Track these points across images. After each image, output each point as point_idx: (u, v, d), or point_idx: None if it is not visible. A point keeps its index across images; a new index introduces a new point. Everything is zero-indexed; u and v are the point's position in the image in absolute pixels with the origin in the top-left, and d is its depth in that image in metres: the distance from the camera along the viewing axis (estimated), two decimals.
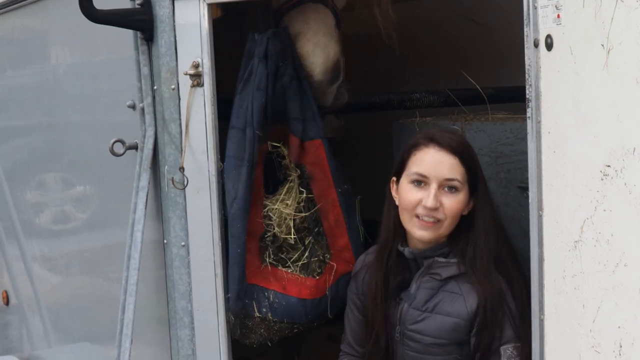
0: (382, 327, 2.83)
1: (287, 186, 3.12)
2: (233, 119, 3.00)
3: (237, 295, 3.00)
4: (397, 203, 2.79)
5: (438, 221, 2.70)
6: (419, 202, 2.69)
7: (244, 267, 3.00)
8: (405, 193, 2.74)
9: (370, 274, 2.91)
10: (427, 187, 2.69)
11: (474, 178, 2.73)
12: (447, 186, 2.69)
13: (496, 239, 2.74)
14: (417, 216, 2.71)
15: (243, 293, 3.01)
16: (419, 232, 2.73)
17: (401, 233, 2.81)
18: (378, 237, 2.92)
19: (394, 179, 2.81)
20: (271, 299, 3.06)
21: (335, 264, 3.17)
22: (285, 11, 3.17)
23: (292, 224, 3.09)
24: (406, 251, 2.80)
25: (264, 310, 3.05)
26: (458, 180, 2.69)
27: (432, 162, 2.70)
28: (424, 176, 2.70)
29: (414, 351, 2.79)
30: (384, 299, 2.83)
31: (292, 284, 3.08)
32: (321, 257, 3.15)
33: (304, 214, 3.11)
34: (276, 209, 3.08)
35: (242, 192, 2.96)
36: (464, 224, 2.75)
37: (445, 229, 2.72)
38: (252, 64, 2.99)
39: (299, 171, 3.12)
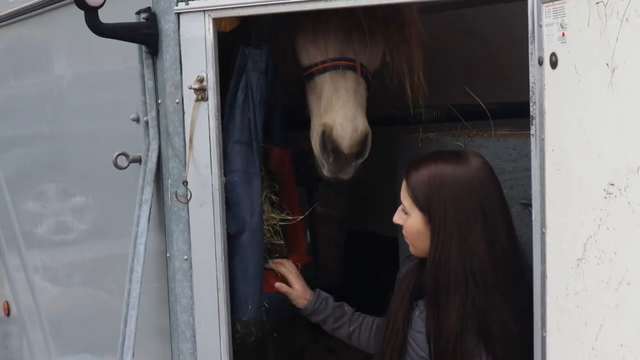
0: (402, 326, 2.84)
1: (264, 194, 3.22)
2: (237, 134, 3.02)
3: (258, 305, 3.07)
4: None
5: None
6: None
7: (263, 276, 3.08)
8: None
9: (407, 268, 2.97)
10: None
11: (426, 209, 2.70)
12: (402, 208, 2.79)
13: (445, 274, 2.67)
14: None
15: (261, 301, 3.10)
16: None
17: None
18: None
19: None
20: (267, 301, 3.14)
21: (298, 258, 3.32)
22: (312, 75, 3.13)
23: (279, 229, 3.21)
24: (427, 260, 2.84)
25: (264, 313, 3.13)
26: (404, 204, 2.77)
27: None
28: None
29: (410, 358, 2.81)
30: (410, 299, 2.86)
31: (277, 280, 3.20)
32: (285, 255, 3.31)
33: (298, 217, 3.23)
34: (273, 217, 3.18)
35: (259, 205, 3.04)
36: None
37: (415, 247, 2.80)
38: (251, 79, 3.02)
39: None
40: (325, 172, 3.09)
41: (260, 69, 3.02)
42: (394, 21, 3.17)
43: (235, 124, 3.02)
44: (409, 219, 2.75)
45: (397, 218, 2.80)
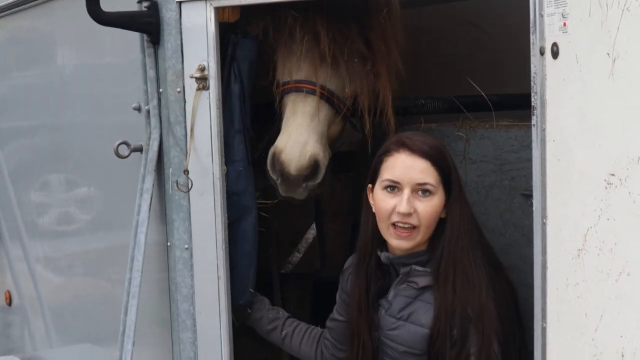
0: (368, 335, 2.83)
1: None
2: (238, 124, 3.05)
3: (254, 288, 3.14)
4: (374, 210, 2.79)
5: (414, 228, 2.68)
6: (394, 209, 2.68)
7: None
8: (379, 201, 2.73)
9: (353, 278, 2.93)
10: (400, 192, 2.68)
11: (448, 180, 2.71)
12: (421, 190, 2.68)
13: (466, 245, 2.70)
14: (394, 225, 2.69)
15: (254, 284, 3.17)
16: (395, 242, 2.72)
17: (380, 239, 2.80)
18: (357, 243, 2.94)
19: (370, 185, 2.81)
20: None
21: None
22: (281, 94, 3.16)
23: None
24: (382, 256, 2.81)
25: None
26: (431, 184, 2.67)
27: (403, 167, 2.69)
28: (396, 182, 2.69)
29: (389, 358, 2.79)
30: (367, 305, 2.84)
31: None
32: None
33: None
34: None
35: (254, 191, 3.12)
36: (441, 227, 2.73)
37: (422, 235, 2.71)
38: (242, 68, 3.06)
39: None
40: (279, 191, 3.12)
41: (251, 58, 3.06)
42: (361, 54, 3.14)
43: (235, 113, 3.04)
44: (432, 199, 2.68)
45: (409, 207, 2.66)
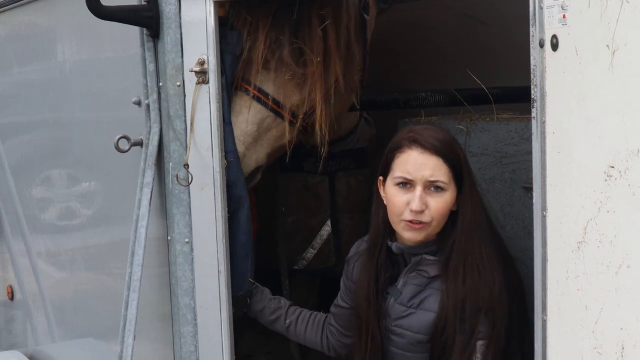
0: (377, 326, 2.83)
1: None
2: (226, 115, 3.05)
3: (252, 277, 3.15)
4: (385, 202, 2.79)
5: (425, 223, 2.70)
6: (406, 206, 2.69)
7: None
8: (391, 197, 2.73)
9: (361, 267, 2.94)
10: (412, 189, 2.69)
11: (459, 174, 2.72)
12: (433, 186, 2.68)
13: (477, 238, 2.72)
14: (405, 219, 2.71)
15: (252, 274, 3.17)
16: (407, 234, 2.73)
17: (390, 230, 2.81)
18: (368, 234, 2.94)
19: (381, 178, 2.81)
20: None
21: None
22: None
23: None
24: (394, 246, 2.81)
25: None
26: (442, 181, 2.68)
27: (416, 164, 2.69)
28: (408, 179, 2.69)
29: (396, 347, 2.80)
30: (376, 296, 2.84)
31: None
32: None
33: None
34: None
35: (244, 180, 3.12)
36: (453, 219, 2.74)
37: (433, 229, 2.72)
38: (225, 60, 3.05)
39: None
40: None
41: (234, 51, 3.06)
42: (286, 63, 3.10)
43: (224, 105, 3.03)
44: (444, 195, 2.69)
45: (421, 204, 2.67)
